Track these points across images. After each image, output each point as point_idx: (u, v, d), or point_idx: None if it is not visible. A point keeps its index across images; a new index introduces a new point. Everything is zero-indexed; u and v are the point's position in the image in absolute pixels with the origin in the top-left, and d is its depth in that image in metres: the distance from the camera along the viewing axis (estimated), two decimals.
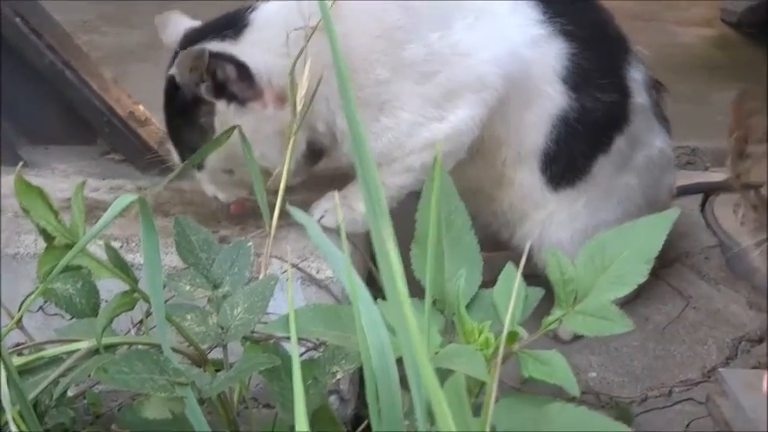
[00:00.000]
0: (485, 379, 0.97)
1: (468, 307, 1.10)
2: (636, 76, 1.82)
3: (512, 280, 1.09)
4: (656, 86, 1.88)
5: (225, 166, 1.65)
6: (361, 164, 0.77)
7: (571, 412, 0.97)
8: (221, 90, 1.60)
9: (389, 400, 0.89)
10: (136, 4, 3.07)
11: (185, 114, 1.64)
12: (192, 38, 1.66)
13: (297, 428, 0.72)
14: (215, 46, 1.61)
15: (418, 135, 1.63)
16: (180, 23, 1.71)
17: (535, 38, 1.70)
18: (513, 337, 1.00)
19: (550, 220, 1.79)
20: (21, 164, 1.09)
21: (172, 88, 1.63)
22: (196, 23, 1.72)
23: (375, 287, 0.95)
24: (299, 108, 1.53)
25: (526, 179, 1.78)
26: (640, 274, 1.07)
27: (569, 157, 1.76)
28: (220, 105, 1.61)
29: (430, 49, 1.62)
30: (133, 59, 2.71)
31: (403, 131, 1.63)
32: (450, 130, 1.63)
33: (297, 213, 1.11)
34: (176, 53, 1.63)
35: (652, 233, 1.08)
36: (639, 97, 1.82)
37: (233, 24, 1.64)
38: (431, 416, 1.05)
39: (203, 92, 1.59)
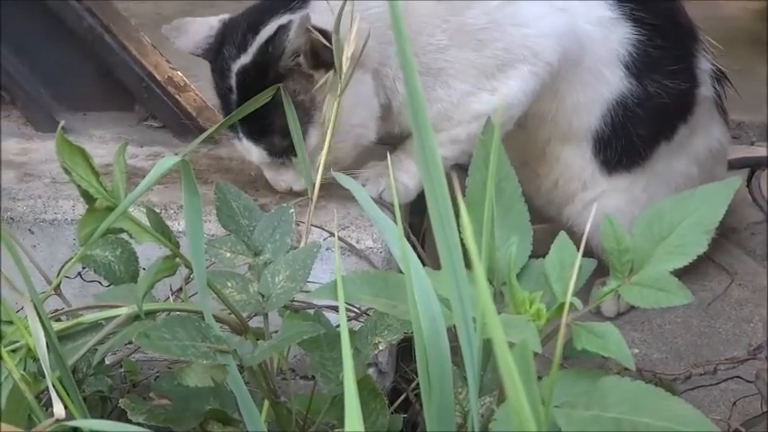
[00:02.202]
0: (538, 350, 0.94)
1: (517, 277, 1.07)
2: (703, 66, 1.80)
3: (565, 250, 1.07)
4: (720, 77, 1.85)
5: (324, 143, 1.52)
6: (417, 126, 0.74)
7: (627, 386, 0.94)
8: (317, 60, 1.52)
9: (440, 370, 0.87)
10: None
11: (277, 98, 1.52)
12: (252, 19, 1.57)
13: (347, 398, 0.70)
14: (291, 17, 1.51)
15: (467, 106, 1.61)
16: (201, 24, 1.62)
17: (601, 19, 1.67)
18: (569, 307, 0.97)
19: (605, 203, 1.74)
20: (61, 123, 1.07)
21: (253, 77, 1.54)
22: (219, 19, 1.62)
23: None
24: (344, 71, 1.48)
25: (574, 160, 1.76)
26: (700, 245, 1.04)
27: (627, 143, 1.73)
28: (318, 76, 1.53)
29: (489, 16, 1.59)
30: None
31: (453, 102, 1.60)
32: (501, 102, 1.61)
33: (344, 180, 1.09)
34: (278, 33, 1.50)
35: (713, 202, 1.05)
36: (705, 88, 1.80)
37: None
38: (481, 389, 1.03)
39: (303, 64, 1.51)
